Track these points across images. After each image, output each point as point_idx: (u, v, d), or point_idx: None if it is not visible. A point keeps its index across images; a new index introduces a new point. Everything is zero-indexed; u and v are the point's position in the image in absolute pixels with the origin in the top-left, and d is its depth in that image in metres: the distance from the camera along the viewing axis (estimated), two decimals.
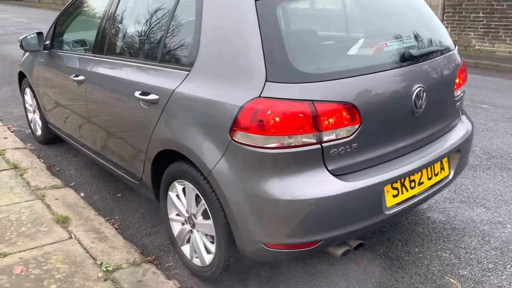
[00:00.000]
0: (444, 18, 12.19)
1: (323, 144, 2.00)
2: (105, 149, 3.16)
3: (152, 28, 2.67)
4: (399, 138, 2.28)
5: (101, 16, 3.13)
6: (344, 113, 2.02)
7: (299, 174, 2.01)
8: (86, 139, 3.42)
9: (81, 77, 3.18)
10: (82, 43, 3.70)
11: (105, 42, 3.04)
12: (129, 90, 2.66)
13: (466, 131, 2.68)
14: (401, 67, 2.25)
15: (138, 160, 2.77)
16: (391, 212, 2.23)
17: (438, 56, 2.47)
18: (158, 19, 2.63)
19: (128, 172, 2.96)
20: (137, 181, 2.88)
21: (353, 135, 2.06)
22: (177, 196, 2.56)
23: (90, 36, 3.33)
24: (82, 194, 3.47)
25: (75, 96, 3.33)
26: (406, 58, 2.27)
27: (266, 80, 1.97)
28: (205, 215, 2.37)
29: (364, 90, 2.10)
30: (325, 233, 2.07)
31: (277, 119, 1.93)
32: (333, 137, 2.01)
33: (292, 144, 1.96)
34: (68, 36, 3.73)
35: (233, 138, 2.03)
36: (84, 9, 3.60)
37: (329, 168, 2.05)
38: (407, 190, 2.30)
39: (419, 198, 2.37)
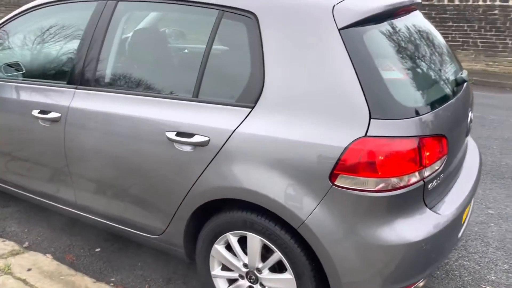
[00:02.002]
0: None
1: (425, 180, 1.92)
2: (96, 202, 2.60)
3: (183, 58, 2.27)
4: (455, 161, 2.31)
5: (83, 38, 2.54)
6: (440, 145, 1.97)
7: (405, 214, 1.91)
8: (53, 189, 2.78)
9: (54, 114, 2.56)
10: (17, 67, 3.01)
11: (103, 72, 2.48)
12: (155, 131, 2.22)
13: (475, 147, 2.84)
14: (459, 92, 2.28)
15: (160, 211, 2.35)
16: (460, 236, 2.25)
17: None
18: (191, 47, 2.25)
19: (138, 226, 2.49)
20: (155, 235, 2.44)
21: (442, 166, 2.02)
22: (226, 248, 2.23)
23: (48, 60, 2.72)
24: (49, 256, 2.82)
25: (39, 138, 2.68)
26: (459, 83, 2.30)
27: (370, 118, 1.81)
28: (273, 269, 2.12)
29: (448, 118, 2.08)
30: (426, 271, 2.01)
31: (387, 159, 1.79)
32: (431, 171, 1.94)
33: (401, 185, 1.84)
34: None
35: (335, 183, 1.83)
36: (41, 26, 2.90)
37: (426, 203, 1.98)
38: (466, 212, 2.35)
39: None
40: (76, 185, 2.64)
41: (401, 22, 2.21)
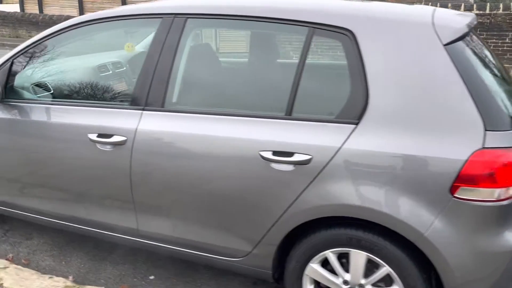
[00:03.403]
0: None
1: None
2: (164, 228, 2.46)
3: (271, 75, 2.22)
4: None
5: (148, 56, 2.41)
6: None
7: None
8: (108, 217, 2.60)
9: (118, 138, 2.40)
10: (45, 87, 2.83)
11: (175, 92, 2.36)
12: (246, 151, 2.16)
13: None
14: None
15: (246, 234, 2.28)
16: None
17: None
18: (281, 63, 2.20)
19: (215, 250, 2.39)
20: (235, 258, 2.35)
21: None
22: (321, 266, 2.21)
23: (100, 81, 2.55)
24: None
25: (97, 163, 2.49)
26: None
27: (485, 129, 1.88)
28: (376, 284, 2.12)
29: None
30: None
31: (505, 169, 1.87)
32: None
33: None
34: (47, 81, 2.76)
35: (454, 195, 1.88)
36: (91, 43, 2.72)
37: None
38: None
39: None
40: (140, 212, 2.49)
41: (473, 38, 2.31)
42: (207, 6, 2.35)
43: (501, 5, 9.33)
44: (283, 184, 2.12)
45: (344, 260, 2.18)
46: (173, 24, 2.39)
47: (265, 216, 2.20)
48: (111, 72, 3.42)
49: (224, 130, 2.22)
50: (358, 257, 2.10)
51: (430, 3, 9.34)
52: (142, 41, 3.73)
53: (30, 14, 16.01)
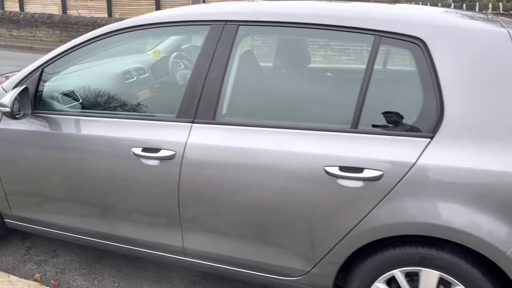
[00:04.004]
0: None
1: None
2: (212, 246, 2.34)
3: (333, 86, 2.11)
4: None
5: (197, 65, 2.28)
6: None
7: None
8: (149, 235, 2.46)
9: (166, 152, 2.26)
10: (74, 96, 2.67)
11: (229, 104, 2.23)
12: (309, 166, 2.05)
13: None
14: None
15: (306, 252, 2.17)
16: None
17: None
18: (345, 72, 2.09)
19: (269, 269, 2.28)
20: (292, 277, 2.25)
21: None
22: (386, 285, 2.12)
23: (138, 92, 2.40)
24: None
25: (140, 179, 2.35)
26: None
27: None
28: None
29: None
30: None
31: None
32: None
33: None
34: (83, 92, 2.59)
35: None
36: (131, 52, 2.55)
37: None
38: None
39: None
40: (187, 229, 2.36)
41: None
42: (262, 12, 2.23)
43: (490, 5, 9.44)
44: (350, 201, 2.02)
45: (407, 279, 2.09)
46: (224, 31, 2.25)
47: (329, 234, 2.09)
48: (135, 78, 3.26)
49: (283, 144, 2.11)
50: (430, 276, 2.01)
51: (412, 3, 9.39)
52: (159, 45, 3.59)
53: (11, 12, 15.54)
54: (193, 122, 2.27)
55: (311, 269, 2.20)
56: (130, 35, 2.45)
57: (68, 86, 2.73)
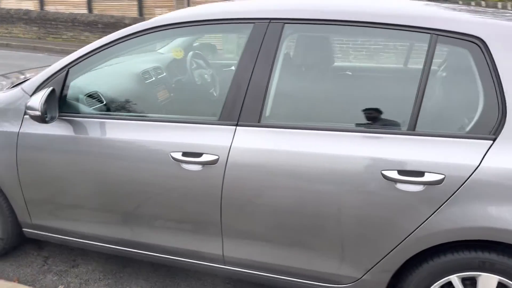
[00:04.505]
0: None
1: None
2: (255, 254, 2.24)
3: (387, 86, 2.03)
4: None
5: (240, 65, 2.17)
6: None
7: None
8: (189, 242, 2.35)
9: (209, 157, 2.15)
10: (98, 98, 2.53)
11: (274, 105, 2.13)
12: (367, 170, 1.97)
13: None
14: None
15: (357, 259, 2.10)
16: None
17: None
18: (400, 72, 2.02)
19: (315, 276, 2.20)
20: (341, 284, 2.17)
21: None
22: None
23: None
24: None
25: (180, 184, 2.23)
26: None
27: None
28: None
29: None
30: None
31: None
32: None
33: None
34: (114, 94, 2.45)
35: None
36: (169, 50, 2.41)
37: None
38: None
39: None
40: (228, 236, 2.26)
41: None
42: (310, 10, 2.14)
43: (483, 3, 9.56)
44: (409, 205, 1.95)
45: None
46: (268, 30, 2.15)
47: (384, 240, 2.03)
48: (154, 78, 3.13)
49: (335, 147, 2.03)
50: (489, 281, 1.97)
51: None
52: (167, 45, 3.46)
53: None
54: (237, 125, 2.16)
55: (362, 276, 2.13)
56: (163, 34, 2.33)
57: (89, 87, 2.58)
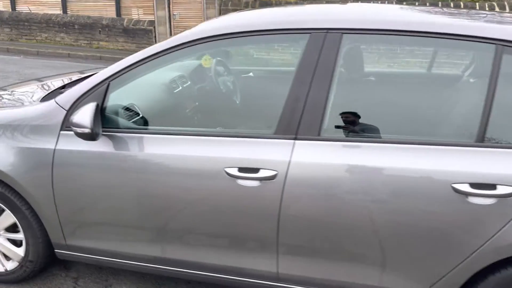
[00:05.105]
0: None
1: None
2: (311, 270, 2.18)
3: (457, 95, 2.00)
4: None
5: (297, 76, 2.10)
6: None
7: None
8: (240, 260, 2.27)
9: (267, 172, 2.07)
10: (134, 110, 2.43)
11: (336, 118, 2.07)
12: (435, 184, 1.94)
13: None
14: None
15: (419, 273, 2.07)
16: None
17: None
18: (465, 84, 1.99)
19: None
20: None
21: None
22: None
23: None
24: None
25: (235, 201, 2.15)
26: None
27: None
28: None
29: None
30: None
31: None
32: None
33: None
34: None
35: None
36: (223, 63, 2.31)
37: None
38: None
39: None
40: (284, 253, 2.18)
41: None
42: (369, 20, 2.08)
43: (477, 5, 9.76)
44: (479, 219, 1.93)
45: None
46: (326, 40, 2.09)
47: (452, 254, 2.00)
48: (180, 88, 3.02)
49: (399, 160, 1.98)
50: None
51: (404, 3, 9.53)
52: None
53: None
54: (295, 139, 2.09)
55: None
56: (212, 45, 2.23)
57: (125, 100, 2.46)
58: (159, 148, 2.22)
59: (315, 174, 2.05)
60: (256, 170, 2.10)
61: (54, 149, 2.32)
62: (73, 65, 10.99)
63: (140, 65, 2.27)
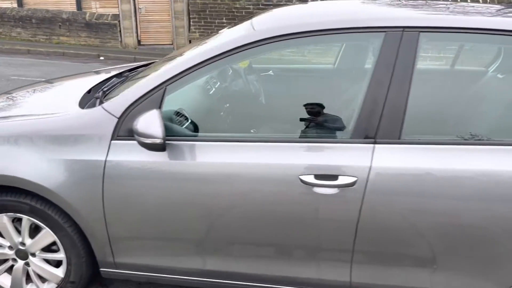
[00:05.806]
0: (191, 23, 12.42)
1: None
2: (385, 278, 2.12)
3: None
4: None
5: (374, 77, 2.01)
6: None
7: None
8: (310, 270, 2.17)
9: (346, 179, 1.98)
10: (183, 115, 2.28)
11: (419, 120, 1.99)
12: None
13: None
14: None
15: (502, 275, 2.04)
16: None
17: None
18: None
19: None
20: None
21: None
22: None
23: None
24: None
25: (311, 210, 2.04)
26: None
27: None
28: None
29: None
30: None
31: None
32: None
33: None
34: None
35: None
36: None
37: None
38: None
39: None
40: (358, 262, 2.11)
41: None
42: (448, 19, 2.01)
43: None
44: None
45: None
46: (403, 39, 2.00)
47: None
48: (214, 89, 2.86)
49: (490, 162, 1.93)
50: None
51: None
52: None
53: None
54: (375, 143, 2.00)
55: None
56: (278, 46, 2.10)
57: (175, 104, 2.29)
58: (227, 156, 2.07)
59: (398, 179, 1.98)
60: (334, 177, 1.99)
61: (105, 160, 2.12)
62: (36, 62, 10.43)
63: (199, 68, 2.10)
